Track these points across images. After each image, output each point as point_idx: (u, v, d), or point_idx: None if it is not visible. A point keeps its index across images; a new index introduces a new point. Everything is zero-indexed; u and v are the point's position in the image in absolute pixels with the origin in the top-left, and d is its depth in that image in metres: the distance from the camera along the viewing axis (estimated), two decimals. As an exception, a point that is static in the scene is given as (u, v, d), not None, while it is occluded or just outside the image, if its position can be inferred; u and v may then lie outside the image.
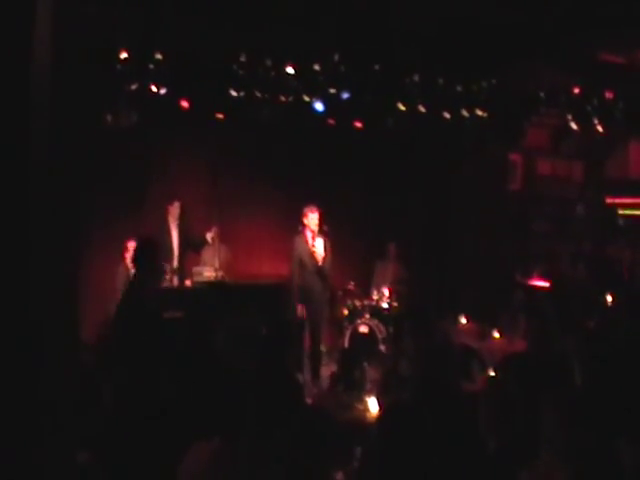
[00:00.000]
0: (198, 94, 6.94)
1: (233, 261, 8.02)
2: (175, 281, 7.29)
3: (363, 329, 7.68)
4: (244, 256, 8.28)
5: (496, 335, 7.51)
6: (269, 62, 7.02)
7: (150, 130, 7.65)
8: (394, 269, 8.56)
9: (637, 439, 3.04)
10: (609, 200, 9.50)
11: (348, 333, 7.66)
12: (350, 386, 5.48)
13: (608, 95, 8.32)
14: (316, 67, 7.22)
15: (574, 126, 8.33)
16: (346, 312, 7.88)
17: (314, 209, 6.88)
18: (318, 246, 6.81)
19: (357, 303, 7.90)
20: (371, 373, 5.91)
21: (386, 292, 8.00)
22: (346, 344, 7.58)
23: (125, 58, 6.35)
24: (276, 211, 8.61)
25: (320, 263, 6.86)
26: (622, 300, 6.91)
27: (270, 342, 4.17)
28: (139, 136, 7.51)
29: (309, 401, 4.99)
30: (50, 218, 2.35)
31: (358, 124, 8.03)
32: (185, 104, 6.95)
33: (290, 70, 7.09)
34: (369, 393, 4.99)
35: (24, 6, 2.27)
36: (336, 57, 7.26)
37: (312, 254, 6.83)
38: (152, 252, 4.42)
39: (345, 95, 7.40)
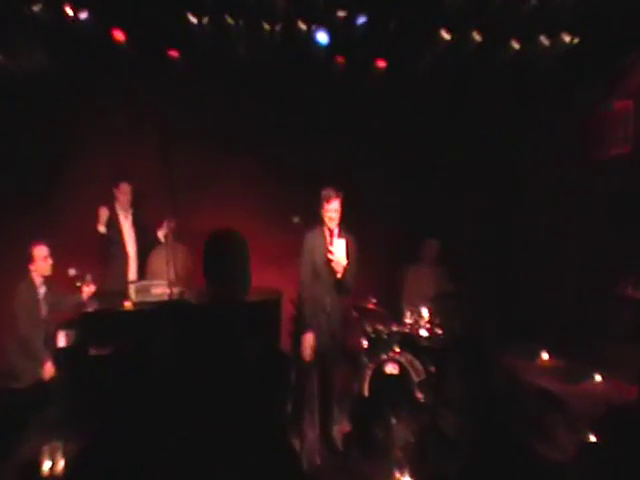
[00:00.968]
0: (138, 20, 7.00)
1: (195, 269, 7.93)
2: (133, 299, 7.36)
3: (390, 368, 7.60)
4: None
5: (594, 377, 7.21)
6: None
7: (64, 76, 7.67)
8: (435, 279, 8.68)
9: None
10: None
11: (368, 374, 7.59)
12: (370, 452, 5.58)
13: None
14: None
15: None
16: (365, 343, 7.90)
17: (333, 195, 6.86)
18: (338, 250, 6.83)
19: (381, 329, 7.89)
20: (401, 433, 5.90)
21: (425, 313, 7.99)
22: (365, 390, 7.47)
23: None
24: (260, 198, 8.68)
25: (340, 275, 6.88)
26: None
27: (254, 387, 4.07)
28: (48, 86, 7.56)
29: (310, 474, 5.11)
30: None
31: (380, 64, 8.12)
32: (119, 35, 7.06)
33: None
34: (398, 463, 5.04)
35: None
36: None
37: (329, 261, 6.85)
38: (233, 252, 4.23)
39: (361, 19, 7.43)
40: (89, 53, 7.32)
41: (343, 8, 7.38)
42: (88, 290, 7.01)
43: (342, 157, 8.73)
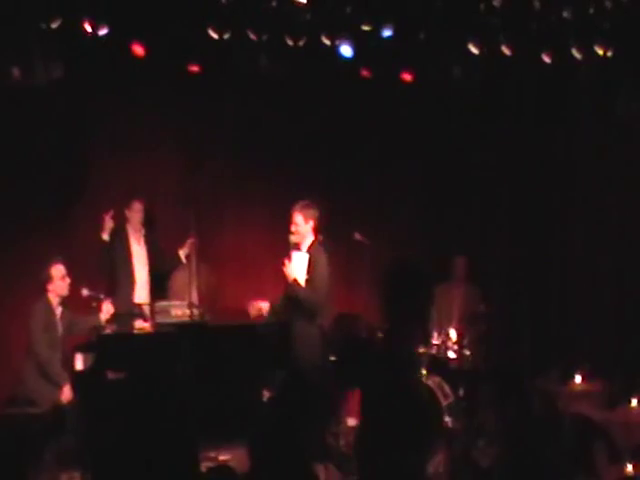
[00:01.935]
0: (159, 35, 6.93)
1: (218, 289, 7.90)
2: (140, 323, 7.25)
3: None
4: (234, 281, 8.31)
5: (635, 403, 7.18)
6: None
7: (84, 91, 7.65)
8: (465, 299, 8.51)
9: None
10: None
11: None
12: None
13: None
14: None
15: None
16: None
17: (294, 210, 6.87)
18: (292, 264, 6.80)
19: None
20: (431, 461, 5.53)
21: (453, 334, 7.84)
22: None
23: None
24: (282, 215, 8.41)
25: (294, 291, 6.80)
26: None
27: (277, 412, 4.15)
28: (66, 101, 7.54)
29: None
30: None
31: (406, 77, 7.96)
32: (139, 50, 6.96)
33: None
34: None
35: None
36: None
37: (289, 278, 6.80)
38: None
39: (387, 32, 7.32)
40: (108, 68, 7.29)
41: (368, 20, 7.26)
42: (107, 310, 6.89)
43: (371, 173, 8.67)
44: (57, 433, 6.11)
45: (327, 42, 7.33)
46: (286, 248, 7.59)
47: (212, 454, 6.63)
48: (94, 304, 6.90)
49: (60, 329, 6.72)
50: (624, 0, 7.44)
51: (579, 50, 7.65)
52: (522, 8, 7.49)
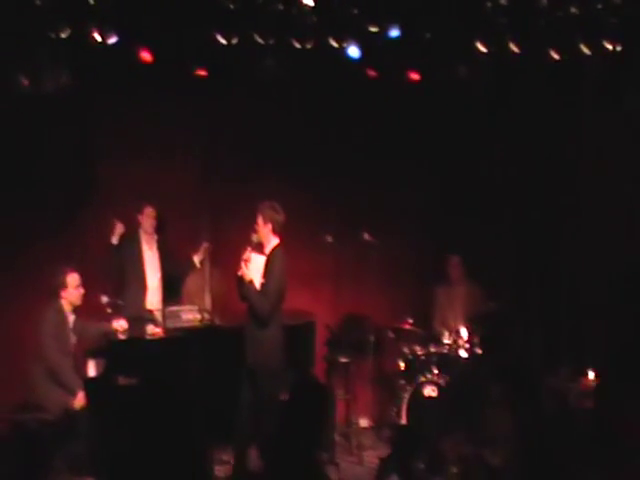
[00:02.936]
0: (167, 41, 6.93)
1: (228, 294, 7.75)
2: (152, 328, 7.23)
3: (430, 391, 7.57)
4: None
5: None
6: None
7: (92, 98, 7.67)
8: (466, 298, 8.40)
9: None
10: None
11: (406, 398, 7.55)
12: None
13: None
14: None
15: None
16: (402, 365, 7.83)
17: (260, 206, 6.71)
18: (252, 266, 6.61)
19: (419, 351, 7.82)
20: (442, 462, 5.53)
21: (464, 333, 7.85)
22: (403, 416, 7.43)
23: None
24: (296, 218, 8.40)
25: (249, 294, 6.60)
26: None
27: (289, 413, 4.11)
28: (76, 106, 7.54)
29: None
30: None
31: (413, 76, 7.96)
32: (147, 56, 6.97)
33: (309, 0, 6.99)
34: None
35: None
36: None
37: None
38: None
39: (394, 32, 7.30)
40: (118, 74, 7.32)
41: (375, 21, 7.25)
42: (121, 325, 6.91)
43: (379, 174, 8.62)
44: (68, 439, 6.07)
45: (334, 44, 7.31)
46: (305, 253, 7.81)
47: (225, 457, 6.69)
48: (109, 310, 6.93)
49: (72, 336, 6.68)
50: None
51: (587, 46, 7.57)
52: (529, 5, 7.43)
